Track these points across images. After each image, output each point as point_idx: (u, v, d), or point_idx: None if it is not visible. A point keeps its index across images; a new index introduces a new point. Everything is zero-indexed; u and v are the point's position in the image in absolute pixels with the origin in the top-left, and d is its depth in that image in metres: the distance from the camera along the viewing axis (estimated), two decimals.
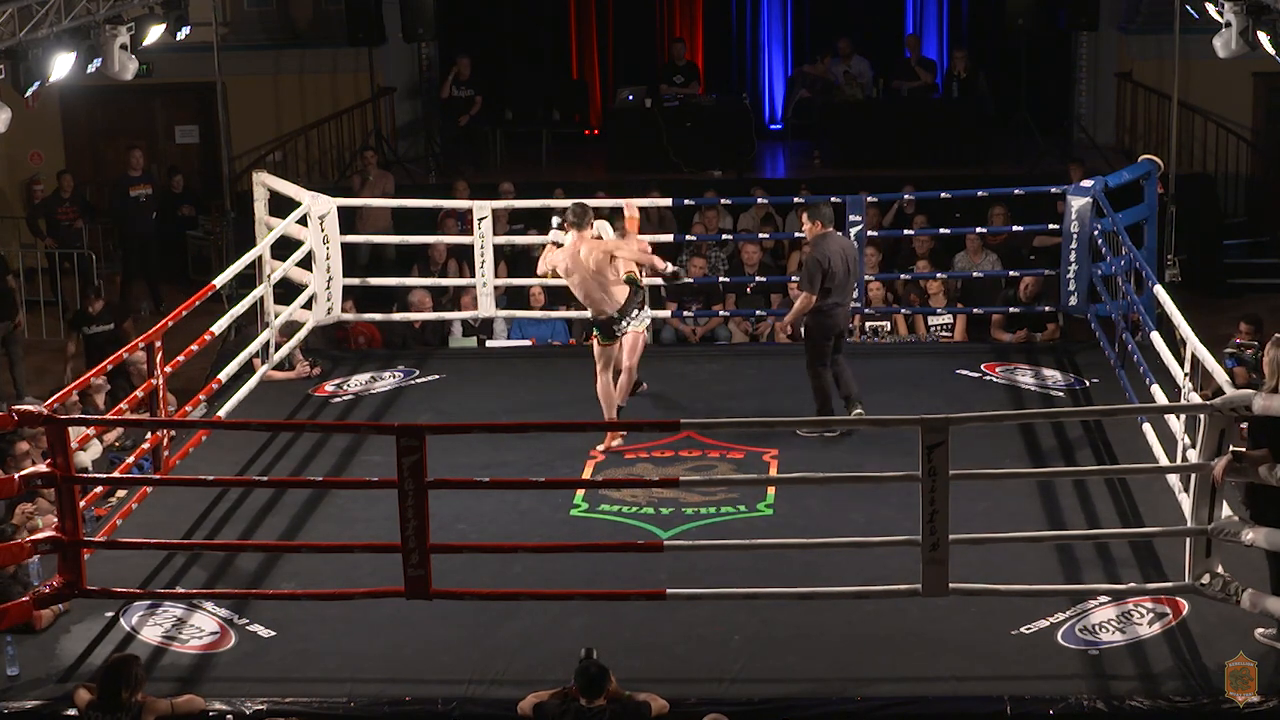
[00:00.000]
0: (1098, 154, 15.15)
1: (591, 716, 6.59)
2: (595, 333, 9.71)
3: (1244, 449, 7.15)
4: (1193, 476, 7.38)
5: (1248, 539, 7.19)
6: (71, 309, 12.00)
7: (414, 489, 7.11)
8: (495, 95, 16.20)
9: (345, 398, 10.85)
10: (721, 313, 12.24)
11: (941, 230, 12.40)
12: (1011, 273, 12.13)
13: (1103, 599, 7.59)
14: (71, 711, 6.95)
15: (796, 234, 13.06)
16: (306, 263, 11.33)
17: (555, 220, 10.20)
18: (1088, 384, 10.62)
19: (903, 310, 12.22)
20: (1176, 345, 8.65)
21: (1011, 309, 11.89)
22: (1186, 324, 8.48)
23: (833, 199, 11.93)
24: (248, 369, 10.42)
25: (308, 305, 11.34)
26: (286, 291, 11.19)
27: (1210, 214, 14.87)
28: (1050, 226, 11.81)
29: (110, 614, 7.73)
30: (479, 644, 7.42)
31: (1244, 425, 7.36)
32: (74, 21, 10.00)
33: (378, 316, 12.04)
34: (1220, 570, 7.33)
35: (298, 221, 11.23)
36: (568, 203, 12.66)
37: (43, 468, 7.52)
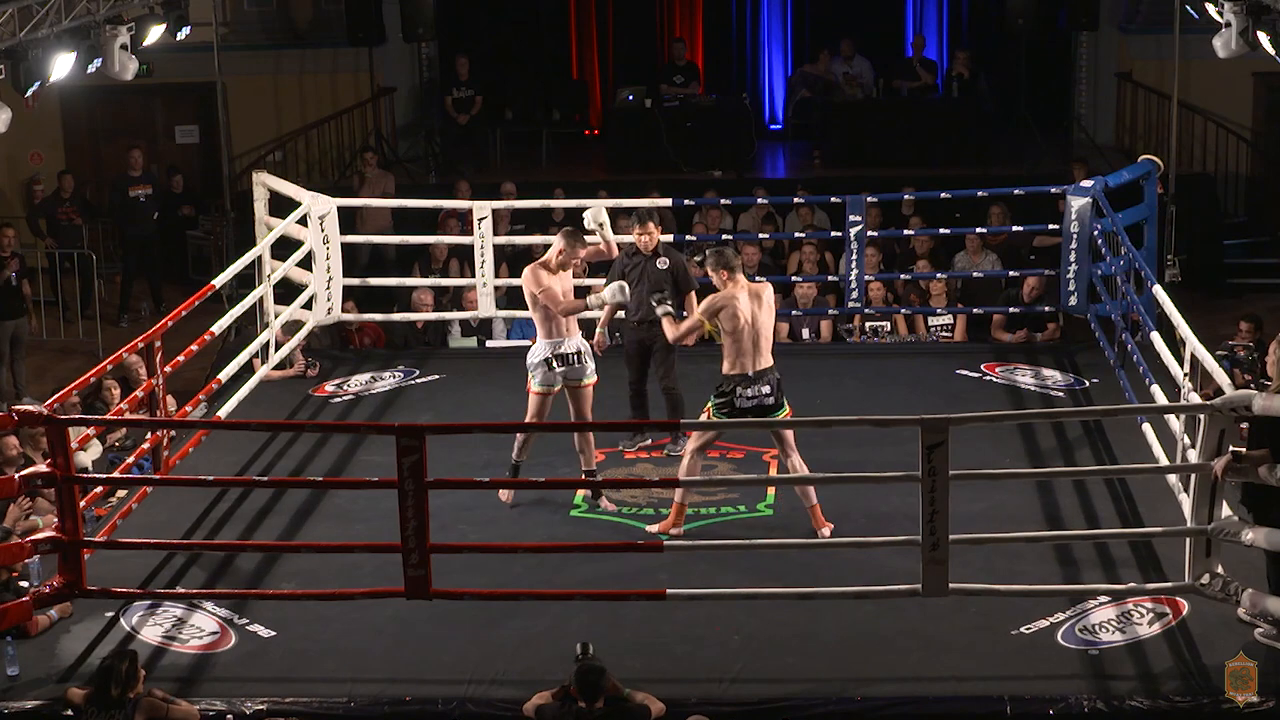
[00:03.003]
0: (1098, 154, 15.15)
1: (591, 719, 6.59)
2: (715, 408, 8.33)
3: (1244, 449, 7.15)
4: (1193, 476, 7.39)
5: (1248, 539, 7.20)
6: None
7: (414, 489, 7.12)
8: (495, 95, 16.20)
9: (345, 398, 10.85)
10: None
11: (941, 230, 12.41)
12: (1011, 273, 12.14)
13: (1102, 599, 7.58)
14: (70, 712, 6.94)
15: (796, 234, 13.10)
16: (306, 263, 11.34)
17: (656, 298, 8.72)
18: (1088, 384, 10.62)
19: (903, 310, 12.22)
20: (1176, 345, 8.65)
21: (1012, 309, 11.90)
22: (1186, 324, 8.48)
23: (832, 199, 11.97)
24: (248, 369, 10.43)
25: (308, 305, 11.34)
26: (286, 291, 11.19)
27: (1210, 214, 14.87)
28: (1050, 226, 11.82)
29: (110, 614, 7.72)
30: (479, 644, 7.42)
31: (1243, 425, 7.36)
32: (74, 21, 10.00)
33: (378, 316, 12.04)
34: (1220, 570, 7.33)
35: (298, 221, 11.23)
36: (567, 203, 12.81)
37: (43, 468, 7.52)
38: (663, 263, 9.55)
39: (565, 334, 8.81)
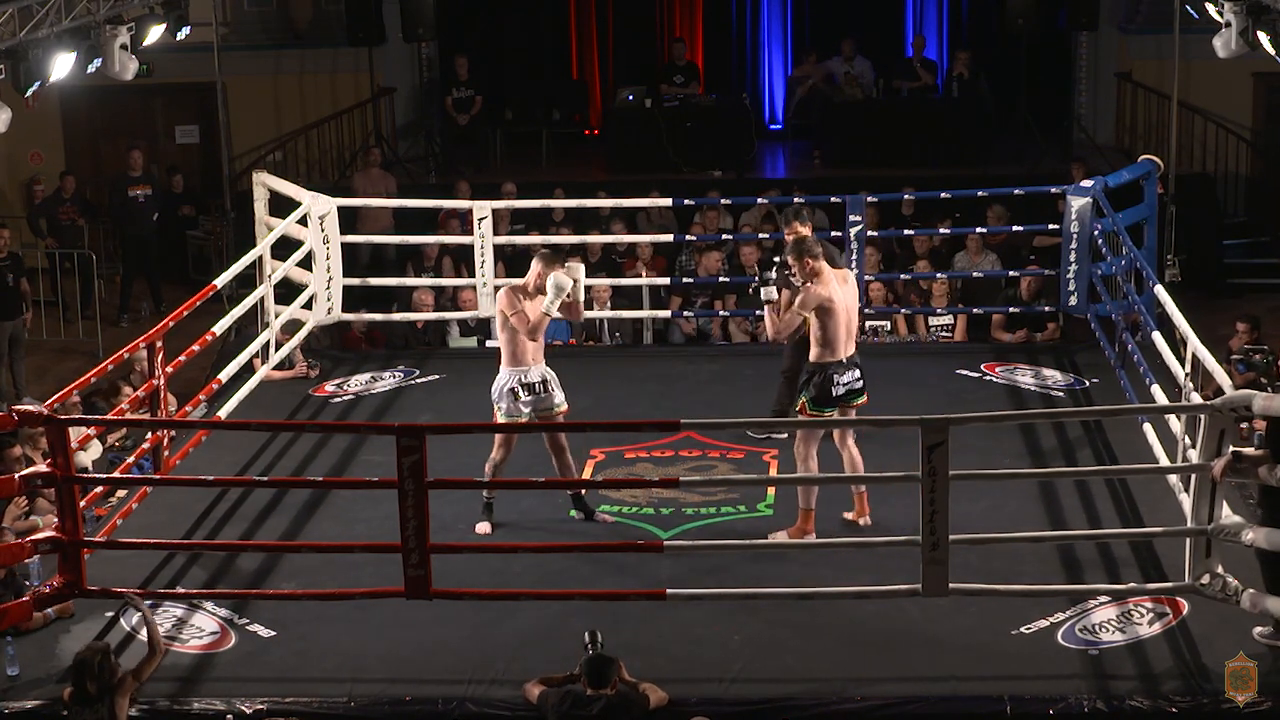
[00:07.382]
0: (1098, 154, 15.15)
1: (587, 704, 6.64)
2: (811, 398, 8.29)
3: (1245, 449, 7.14)
4: (1193, 476, 7.38)
5: (1248, 539, 7.19)
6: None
7: (414, 489, 7.12)
8: (495, 95, 16.21)
9: (345, 398, 10.85)
10: (722, 312, 12.24)
11: (941, 230, 12.41)
12: (1011, 273, 12.14)
13: (1103, 599, 7.59)
14: (66, 712, 6.94)
15: None
16: (306, 263, 11.34)
17: (765, 278, 8.57)
18: (1088, 384, 10.62)
19: (903, 310, 12.21)
20: (1177, 345, 8.65)
21: (1011, 309, 11.90)
22: (1187, 324, 8.48)
23: (832, 199, 11.96)
24: (248, 369, 10.43)
25: (308, 305, 11.34)
26: (287, 291, 11.20)
27: (1210, 214, 14.87)
28: (1050, 226, 11.82)
29: (110, 614, 7.72)
30: (479, 644, 7.42)
31: (1243, 425, 7.35)
32: (74, 21, 10.00)
33: (378, 316, 12.04)
34: (1220, 570, 7.33)
35: (298, 221, 11.24)
36: (567, 203, 12.82)
37: (43, 468, 7.52)
38: None
39: (531, 361, 8.60)
